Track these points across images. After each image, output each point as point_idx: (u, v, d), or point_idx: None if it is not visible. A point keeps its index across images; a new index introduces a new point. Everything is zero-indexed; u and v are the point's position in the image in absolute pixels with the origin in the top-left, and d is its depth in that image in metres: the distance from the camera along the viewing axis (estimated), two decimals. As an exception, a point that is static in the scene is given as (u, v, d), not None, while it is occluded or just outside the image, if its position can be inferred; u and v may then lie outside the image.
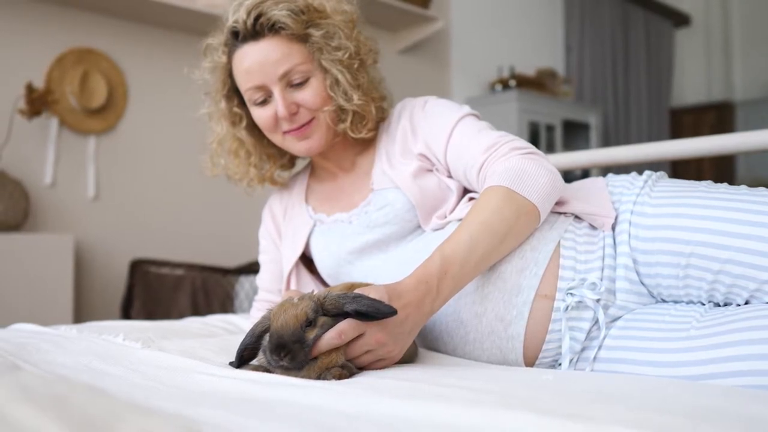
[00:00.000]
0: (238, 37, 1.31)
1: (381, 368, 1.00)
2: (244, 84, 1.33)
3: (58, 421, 0.35)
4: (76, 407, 0.38)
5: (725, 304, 1.06)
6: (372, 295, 0.95)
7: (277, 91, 1.30)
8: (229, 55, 1.35)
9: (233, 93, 1.42)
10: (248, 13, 1.27)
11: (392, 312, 0.93)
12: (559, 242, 1.15)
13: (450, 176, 1.33)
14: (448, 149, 1.30)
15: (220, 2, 2.82)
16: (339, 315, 0.96)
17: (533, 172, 1.15)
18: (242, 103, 1.42)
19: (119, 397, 0.63)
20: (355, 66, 1.34)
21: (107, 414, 0.38)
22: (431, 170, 1.34)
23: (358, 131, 1.38)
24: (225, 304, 2.90)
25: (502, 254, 1.13)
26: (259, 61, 1.29)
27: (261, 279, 1.57)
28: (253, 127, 1.44)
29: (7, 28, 2.61)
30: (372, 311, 0.93)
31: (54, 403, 0.37)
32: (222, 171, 1.50)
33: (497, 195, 1.13)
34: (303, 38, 1.30)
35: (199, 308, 2.83)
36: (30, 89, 2.52)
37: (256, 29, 1.28)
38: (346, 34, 1.33)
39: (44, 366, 0.92)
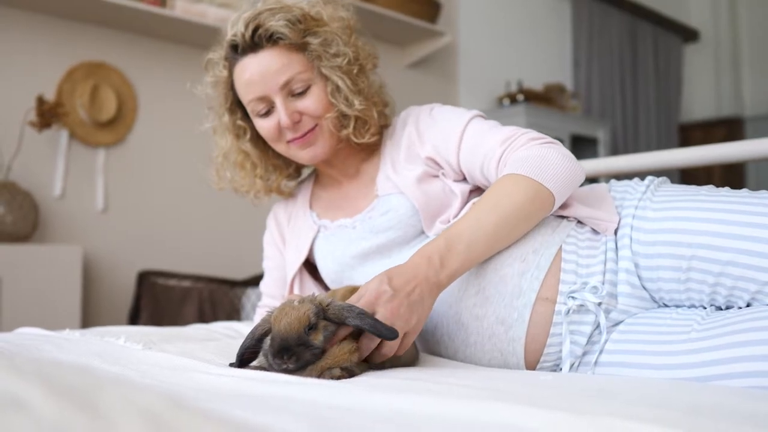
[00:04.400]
0: (238, 50, 1.32)
1: (405, 346, 1.02)
2: (246, 96, 1.34)
3: (41, 387, 0.35)
4: (61, 379, 0.38)
5: (727, 307, 1.05)
6: (374, 284, 0.99)
7: (279, 101, 1.31)
8: (230, 69, 1.36)
9: (236, 106, 1.43)
10: (246, 26, 1.29)
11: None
12: (561, 246, 1.15)
13: (457, 180, 1.33)
14: (461, 149, 1.30)
15: (230, 16, 2.85)
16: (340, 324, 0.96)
17: (552, 158, 1.16)
18: (245, 116, 1.43)
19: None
20: (355, 71, 1.35)
21: (90, 384, 0.38)
22: (437, 176, 1.35)
23: (361, 136, 1.38)
24: (232, 316, 2.91)
25: (513, 236, 1.14)
26: (259, 72, 1.30)
27: (264, 285, 1.58)
28: (257, 139, 1.45)
29: (20, 41, 2.65)
30: (373, 331, 0.94)
31: (39, 376, 0.38)
32: (228, 184, 1.51)
33: (510, 180, 1.15)
34: (301, 47, 1.31)
35: (206, 320, 2.83)
36: (41, 102, 2.54)
37: (255, 41, 1.29)
38: (344, 40, 1.35)
39: (43, 363, 0.92)
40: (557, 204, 1.16)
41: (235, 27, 1.31)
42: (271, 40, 1.29)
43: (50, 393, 0.34)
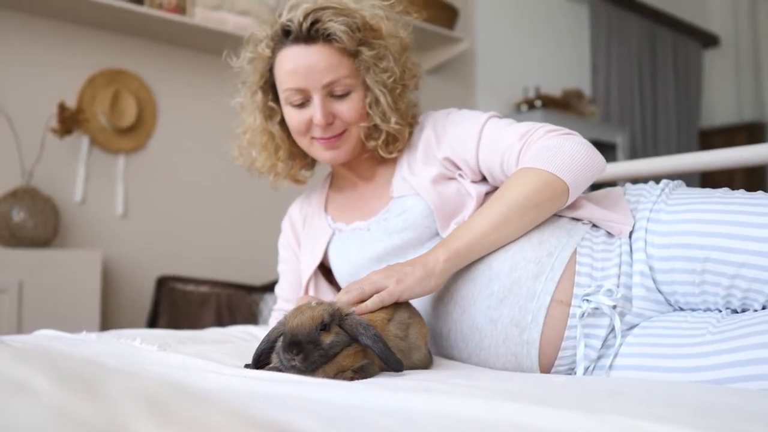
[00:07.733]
0: (289, 36, 1.31)
1: (378, 303, 1.05)
2: (285, 83, 1.33)
3: (47, 374, 0.36)
4: (67, 367, 0.39)
5: (743, 310, 1.04)
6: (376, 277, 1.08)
7: (317, 99, 1.30)
8: (274, 51, 1.34)
9: (269, 87, 1.41)
10: (305, 16, 1.27)
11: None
12: (575, 249, 1.15)
13: (474, 181, 1.33)
14: (480, 147, 1.31)
15: (249, 24, 2.87)
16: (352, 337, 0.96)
17: (566, 148, 1.18)
18: (276, 98, 1.41)
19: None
20: (398, 91, 1.36)
21: (96, 373, 0.38)
22: (453, 178, 1.35)
23: (388, 152, 1.39)
24: (249, 321, 2.92)
25: (522, 223, 1.16)
26: (306, 65, 1.29)
27: (280, 288, 1.58)
28: (284, 123, 1.43)
29: (41, 49, 2.69)
30: (382, 357, 0.94)
31: (45, 364, 0.38)
32: (246, 161, 1.50)
33: (520, 173, 1.18)
34: (353, 53, 1.31)
35: (224, 325, 2.84)
36: (62, 108, 2.58)
37: (311, 34, 1.28)
38: (395, 58, 1.35)
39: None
40: (573, 193, 1.17)
41: (292, 12, 1.29)
42: (327, 38, 1.28)
43: (55, 380, 0.35)
